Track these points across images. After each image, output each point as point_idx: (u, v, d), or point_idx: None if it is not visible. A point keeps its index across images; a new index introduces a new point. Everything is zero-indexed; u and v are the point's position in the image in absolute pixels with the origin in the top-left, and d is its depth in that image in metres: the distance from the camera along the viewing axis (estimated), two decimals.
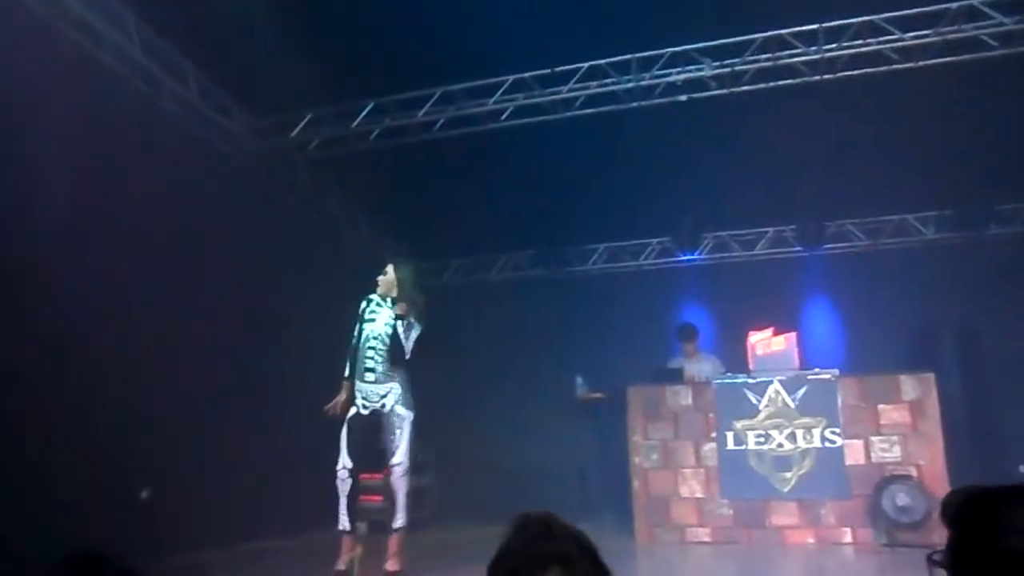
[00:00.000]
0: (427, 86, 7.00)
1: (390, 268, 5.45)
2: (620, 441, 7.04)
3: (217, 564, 5.57)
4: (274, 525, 6.70)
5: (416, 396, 5.30)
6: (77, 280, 5.08)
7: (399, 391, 5.23)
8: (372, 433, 5.27)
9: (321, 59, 6.34)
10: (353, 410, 5.26)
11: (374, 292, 5.45)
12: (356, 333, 5.37)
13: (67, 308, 5.02)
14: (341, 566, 5.16)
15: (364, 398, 5.25)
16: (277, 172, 7.80)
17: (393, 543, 5.14)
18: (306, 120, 7.37)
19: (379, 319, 5.35)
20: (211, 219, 6.39)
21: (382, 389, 5.23)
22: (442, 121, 7.13)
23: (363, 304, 5.46)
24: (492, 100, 6.96)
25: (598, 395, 7.98)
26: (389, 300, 5.39)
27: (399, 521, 5.15)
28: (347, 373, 5.31)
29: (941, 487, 5.91)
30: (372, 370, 5.25)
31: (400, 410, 5.22)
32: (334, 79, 6.72)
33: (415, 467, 7.72)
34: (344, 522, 5.22)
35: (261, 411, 6.76)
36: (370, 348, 5.29)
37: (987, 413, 8.17)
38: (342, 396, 5.26)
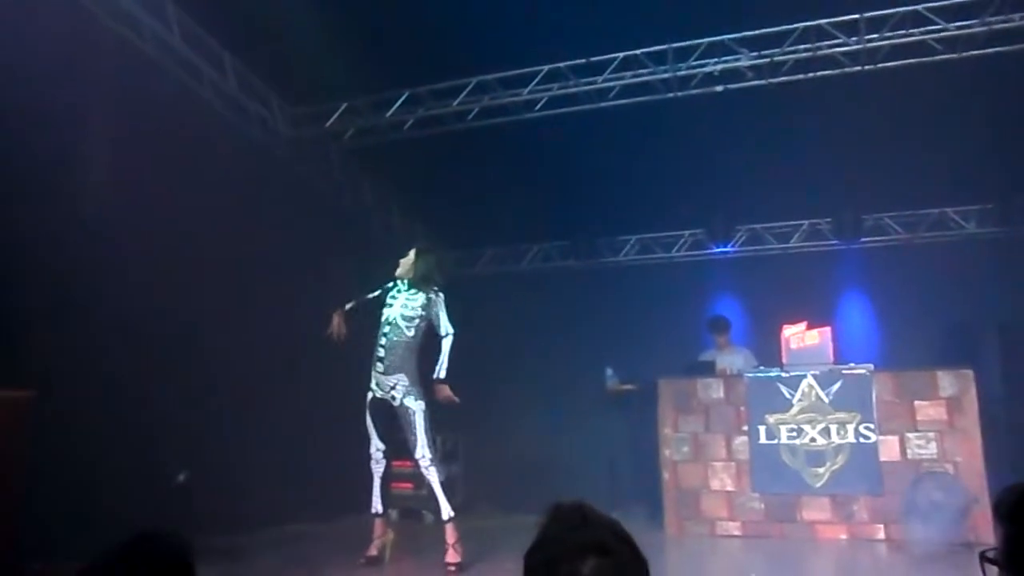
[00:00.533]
0: (462, 76, 7.01)
1: (412, 252, 5.49)
2: (650, 433, 7.02)
3: (252, 547, 5.66)
4: (310, 509, 6.80)
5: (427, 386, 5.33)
6: (116, 266, 5.18)
7: (406, 382, 5.23)
8: (392, 418, 5.32)
9: (357, 49, 6.39)
10: (370, 394, 5.33)
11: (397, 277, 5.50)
12: (377, 316, 5.43)
13: (107, 294, 5.12)
14: (373, 551, 5.22)
15: (377, 385, 5.31)
16: (312, 161, 7.87)
17: (450, 534, 5.15)
18: (341, 110, 7.42)
19: (396, 304, 5.38)
20: (247, 206, 6.46)
21: (391, 380, 5.25)
22: (476, 111, 7.14)
23: (388, 287, 5.50)
24: (527, 90, 6.95)
25: (628, 387, 7.96)
26: (406, 283, 5.41)
27: (446, 512, 5.17)
28: (346, 306, 5.42)
29: (979, 484, 5.82)
30: (382, 359, 5.28)
31: (410, 403, 5.21)
32: (370, 69, 6.76)
33: (444, 455, 7.86)
34: (376, 505, 5.29)
35: (299, 396, 6.86)
36: (383, 335, 5.32)
37: None
38: (333, 320, 5.32)
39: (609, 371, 8.09)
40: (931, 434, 6.19)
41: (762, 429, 6.62)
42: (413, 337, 5.32)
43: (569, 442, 8.49)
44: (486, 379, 8.80)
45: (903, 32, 6.03)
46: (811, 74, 6.42)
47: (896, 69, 6.21)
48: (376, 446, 5.32)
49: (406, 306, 5.34)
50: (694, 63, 6.58)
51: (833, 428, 6.44)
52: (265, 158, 7.21)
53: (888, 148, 7.13)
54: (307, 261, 7.24)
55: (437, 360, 5.32)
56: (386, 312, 5.37)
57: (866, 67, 6.23)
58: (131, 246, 5.34)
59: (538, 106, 7.00)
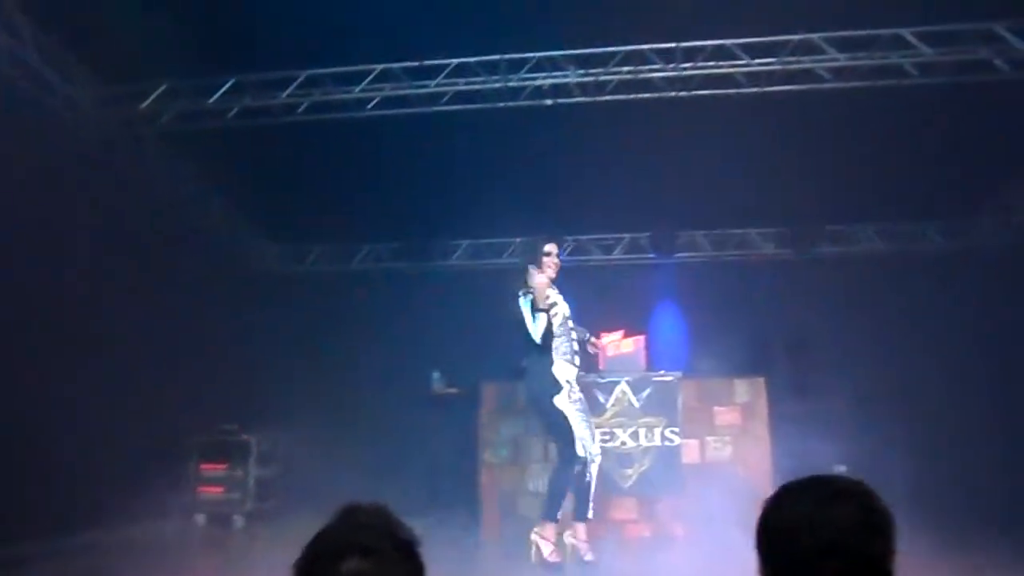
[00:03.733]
0: (292, 67, 6.81)
1: (553, 247, 5.48)
2: (473, 437, 7.11)
3: (33, 559, 5.18)
4: (103, 514, 6.31)
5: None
6: None
7: (523, 382, 5.26)
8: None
9: (180, 28, 6.02)
10: (565, 395, 5.21)
11: None
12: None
13: None
14: (556, 558, 5.09)
15: (569, 383, 5.25)
16: (123, 145, 7.32)
17: (581, 532, 5.19)
18: (159, 91, 6.97)
19: (560, 300, 5.37)
20: (47, 191, 5.92)
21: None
22: (306, 105, 6.95)
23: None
24: (359, 88, 6.85)
25: (454, 390, 8.03)
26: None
27: (590, 512, 5.20)
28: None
29: (766, 483, 6.34)
30: (578, 354, 5.33)
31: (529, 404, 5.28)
32: (193, 51, 6.39)
33: (260, 456, 7.59)
34: (587, 512, 5.26)
35: (91, 393, 6.34)
36: (571, 330, 5.34)
37: (813, 416, 8.84)
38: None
39: (436, 374, 8.14)
40: (727, 437, 6.68)
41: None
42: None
43: (392, 444, 8.43)
44: (310, 379, 8.60)
45: (713, 64, 6.51)
46: (633, 95, 6.77)
47: (706, 97, 6.68)
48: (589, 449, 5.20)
49: (567, 303, 5.34)
50: (525, 75, 6.77)
51: (642, 432, 6.79)
52: (69, 138, 6.63)
53: (701, 170, 7.64)
54: (114, 251, 6.72)
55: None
56: (562, 308, 5.29)
57: (681, 93, 6.66)
58: None
59: (371, 105, 6.92)
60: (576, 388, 5.29)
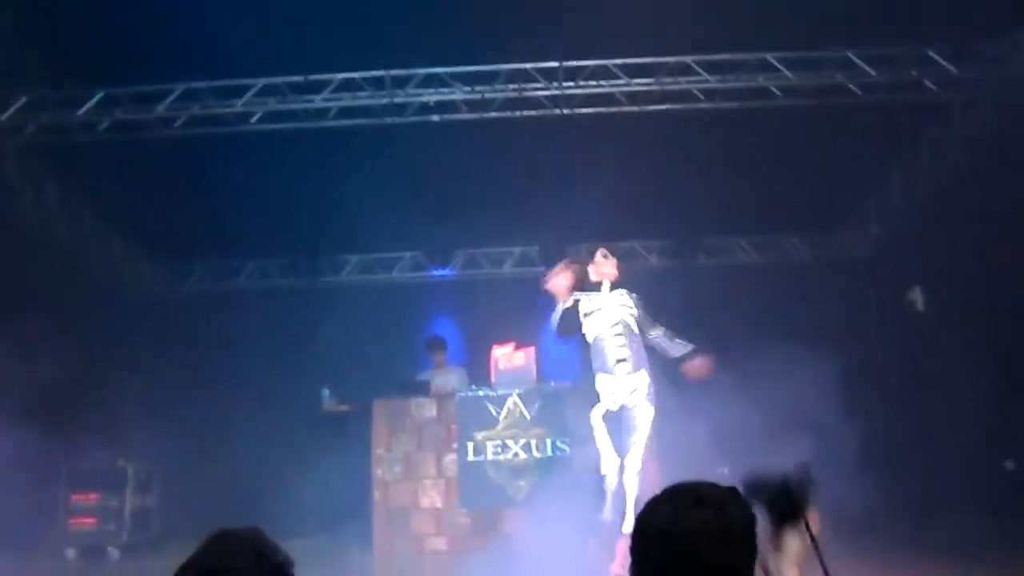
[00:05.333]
0: (167, 80, 6.57)
1: (601, 253, 5.40)
2: (365, 454, 7.02)
3: None
4: None
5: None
6: None
7: (647, 382, 5.15)
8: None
9: (46, 37, 5.73)
10: (603, 407, 5.17)
11: None
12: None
13: None
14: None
15: (612, 392, 5.16)
16: None
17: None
18: (21, 102, 6.58)
19: (612, 305, 5.28)
20: None
21: (634, 381, 5.17)
22: (184, 119, 6.73)
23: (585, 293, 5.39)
24: (240, 102, 6.69)
25: (344, 407, 7.90)
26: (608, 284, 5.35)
27: (629, 525, 4.86)
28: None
29: (651, 490, 6.54)
30: (625, 360, 5.17)
31: (647, 405, 5.15)
32: (60, 62, 6.09)
33: (138, 486, 7.23)
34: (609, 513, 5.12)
35: None
36: (617, 335, 5.19)
37: (695, 424, 9.19)
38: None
39: (326, 391, 7.98)
40: None
41: (470, 446, 6.90)
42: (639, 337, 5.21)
43: (281, 465, 8.20)
44: (194, 401, 8.28)
45: (595, 83, 6.73)
46: (518, 112, 6.91)
47: (589, 116, 6.89)
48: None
49: (627, 306, 5.19)
50: (412, 91, 6.79)
51: (534, 443, 6.89)
52: None
53: (588, 183, 7.85)
54: None
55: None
56: (605, 316, 5.17)
57: (564, 111, 6.85)
58: None
59: (253, 119, 6.77)
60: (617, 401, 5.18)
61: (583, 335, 5.26)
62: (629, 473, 5.10)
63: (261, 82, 6.64)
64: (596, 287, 5.33)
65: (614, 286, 5.38)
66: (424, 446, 6.95)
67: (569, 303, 5.28)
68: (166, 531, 7.62)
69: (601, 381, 5.16)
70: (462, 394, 7.10)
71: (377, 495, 6.85)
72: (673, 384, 5.57)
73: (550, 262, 9.47)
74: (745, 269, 9.73)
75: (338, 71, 6.67)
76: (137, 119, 6.70)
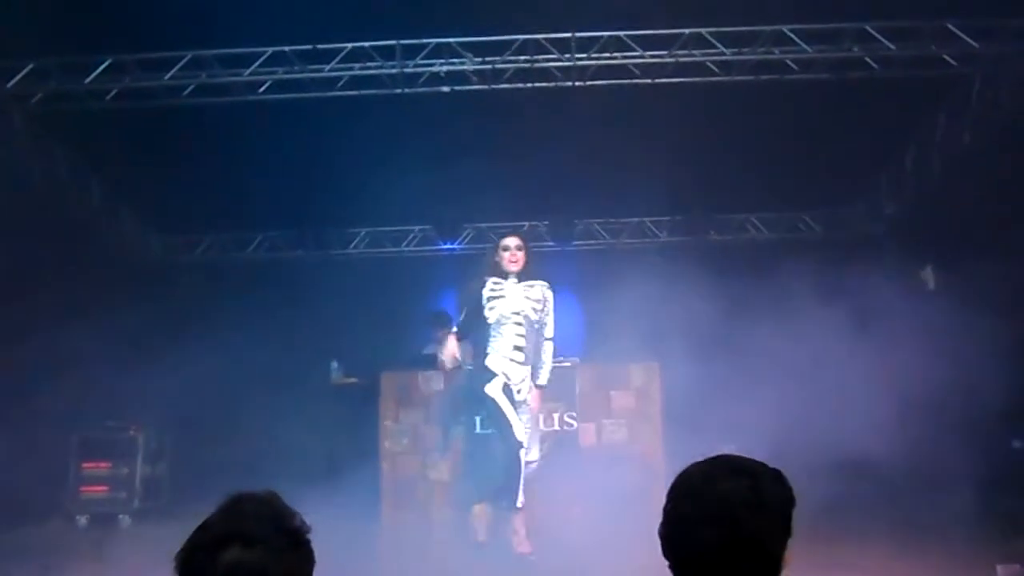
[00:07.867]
0: (175, 48, 6.51)
1: (513, 240, 5.58)
2: (373, 426, 7.04)
3: None
4: None
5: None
6: None
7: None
8: None
9: (50, 3, 5.67)
10: (501, 383, 5.40)
11: None
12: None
13: None
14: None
15: (507, 374, 5.43)
16: None
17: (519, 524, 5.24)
18: (28, 68, 6.53)
19: (516, 296, 5.49)
20: None
21: (524, 372, 5.55)
22: (192, 87, 6.67)
23: (484, 281, 5.55)
24: (248, 71, 6.63)
25: (353, 380, 7.92)
26: (516, 276, 5.55)
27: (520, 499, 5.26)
28: (453, 328, 5.77)
29: (659, 465, 6.56)
30: (521, 349, 5.46)
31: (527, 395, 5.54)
32: (68, 28, 6.04)
33: (148, 454, 7.29)
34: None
35: None
36: (517, 324, 5.43)
37: (703, 400, 9.17)
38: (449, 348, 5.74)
39: (335, 364, 8.00)
40: (622, 421, 6.87)
41: (478, 420, 6.90)
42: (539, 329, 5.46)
43: (291, 436, 8.23)
44: (204, 373, 8.30)
45: (607, 55, 6.63)
46: (529, 84, 6.82)
47: (601, 88, 6.80)
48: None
49: (530, 298, 5.38)
50: (422, 61, 6.70)
51: (541, 417, 6.89)
52: None
53: (599, 160, 7.79)
54: None
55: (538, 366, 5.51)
56: (506, 305, 5.34)
57: (577, 83, 6.76)
58: None
59: (261, 89, 6.71)
60: (515, 379, 5.42)
61: (484, 318, 5.42)
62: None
63: (269, 51, 6.57)
64: (504, 275, 5.51)
65: (524, 276, 5.56)
66: (432, 419, 6.97)
67: (478, 286, 5.48)
68: (177, 499, 7.69)
69: (494, 361, 5.39)
70: (470, 367, 7.09)
71: (385, 466, 6.87)
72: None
73: (560, 237, 9.45)
74: (754, 246, 9.64)
75: (347, 40, 6.58)
76: (145, 87, 6.64)
